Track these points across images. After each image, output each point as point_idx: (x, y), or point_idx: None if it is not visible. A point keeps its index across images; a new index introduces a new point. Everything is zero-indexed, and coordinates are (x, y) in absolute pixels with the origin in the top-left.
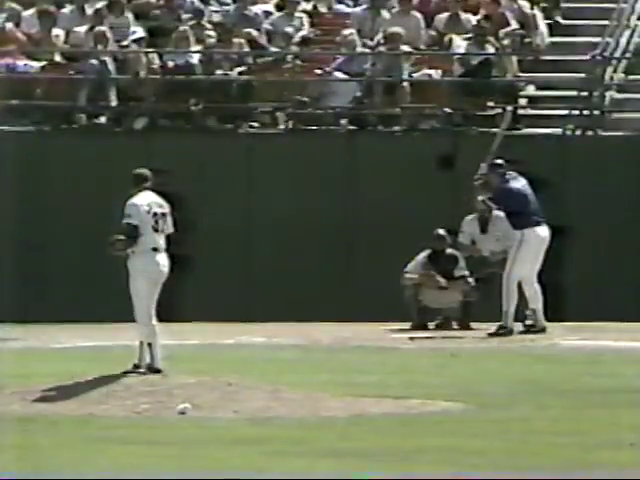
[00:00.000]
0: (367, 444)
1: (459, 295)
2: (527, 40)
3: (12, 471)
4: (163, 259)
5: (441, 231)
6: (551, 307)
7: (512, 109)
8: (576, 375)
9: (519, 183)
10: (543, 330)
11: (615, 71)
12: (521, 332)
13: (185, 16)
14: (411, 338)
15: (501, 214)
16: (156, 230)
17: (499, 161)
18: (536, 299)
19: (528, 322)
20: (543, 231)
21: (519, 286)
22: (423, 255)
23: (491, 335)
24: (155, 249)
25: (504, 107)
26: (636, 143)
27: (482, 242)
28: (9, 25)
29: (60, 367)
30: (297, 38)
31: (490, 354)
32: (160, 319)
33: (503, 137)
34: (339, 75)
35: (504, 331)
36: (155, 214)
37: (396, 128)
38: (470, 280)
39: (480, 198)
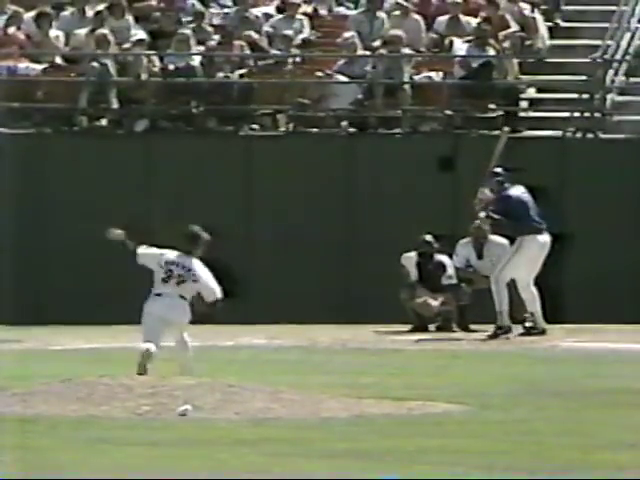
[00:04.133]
0: (368, 445)
1: (453, 299)
2: (528, 43)
3: (13, 472)
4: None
5: (428, 237)
6: (551, 309)
7: (508, 130)
8: (576, 376)
9: (518, 190)
10: (543, 332)
11: (616, 74)
12: (521, 334)
13: (186, 19)
14: (417, 340)
15: (496, 238)
16: (165, 281)
17: (498, 170)
18: (534, 302)
19: (528, 324)
20: (543, 238)
21: (516, 289)
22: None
23: (491, 337)
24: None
25: (502, 123)
26: (637, 145)
27: (479, 268)
28: (10, 27)
29: (60, 369)
30: (298, 40)
31: (490, 356)
32: None
33: (500, 156)
34: (340, 77)
35: (502, 331)
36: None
37: (397, 130)
38: (461, 285)
39: (482, 215)
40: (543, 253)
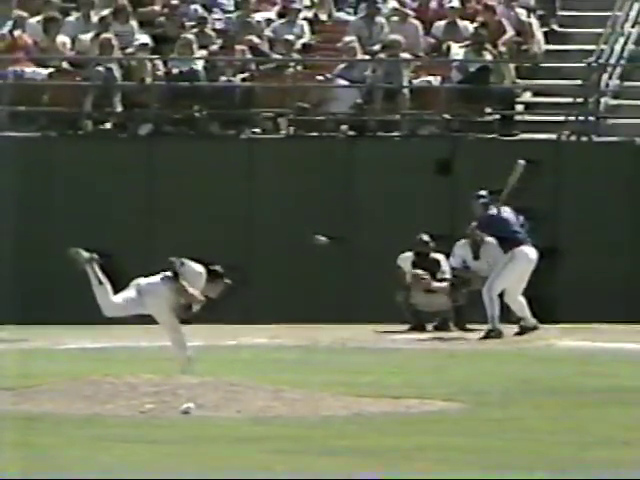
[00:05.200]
0: (366, 442)
1: (448, 299)
2: (524, 47)
3: (17, 470)
4: None
5: (425, 236)
6: (545, 310)
7: (524, 162)
8: (571, 375)
9: (501, 210)
10: (535, 328)
11: (610, 77)
12: (517, 333)
13: (189, 24)
14: (416, 340)
15: (492, 240)
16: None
17: (482, 192)
18: (523, 309)
19: (522, 323)
20: (531, 252)
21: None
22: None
23: (482, 339)
24: None
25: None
26: (631, 148)
27: (475, 269)
28: (17, 32)
29: (65, 367)
30: (298, 45)
31: (487, 355)
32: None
33: (514, 186)
34: (340, 81)
35: (493, 334)
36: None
37: (395, 134)
38: (457, 282)
39: (471, 225)
40: (530, 267)
